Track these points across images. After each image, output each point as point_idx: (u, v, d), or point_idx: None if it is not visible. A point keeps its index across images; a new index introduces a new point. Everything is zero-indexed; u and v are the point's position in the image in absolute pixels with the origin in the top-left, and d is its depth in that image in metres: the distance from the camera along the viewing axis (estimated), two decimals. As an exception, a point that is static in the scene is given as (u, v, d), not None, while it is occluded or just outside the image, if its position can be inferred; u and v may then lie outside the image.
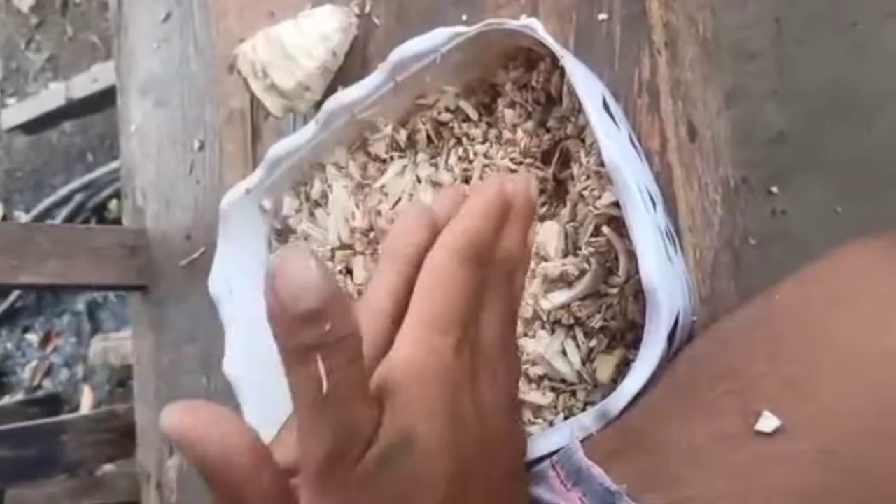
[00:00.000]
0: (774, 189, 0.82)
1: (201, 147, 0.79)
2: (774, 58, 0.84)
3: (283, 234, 0.59)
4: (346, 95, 0.53)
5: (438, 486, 0.29)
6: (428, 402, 0.29)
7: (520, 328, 0.48)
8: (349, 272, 0.56)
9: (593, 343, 0.46)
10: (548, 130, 0.50)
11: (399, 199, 0.54)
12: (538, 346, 0.46)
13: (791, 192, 0.82)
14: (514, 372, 0.37)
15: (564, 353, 0.46)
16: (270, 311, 0.26)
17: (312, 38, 0.63)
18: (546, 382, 0.46)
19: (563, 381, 0.46)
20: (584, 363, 0.45)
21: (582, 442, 0.41)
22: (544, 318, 0.47)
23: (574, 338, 0.46)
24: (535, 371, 0.46)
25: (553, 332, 0.47)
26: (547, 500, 0.38)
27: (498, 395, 0.34)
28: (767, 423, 0.33)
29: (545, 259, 0.47)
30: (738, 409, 0.34)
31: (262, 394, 0.56)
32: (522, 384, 0.47)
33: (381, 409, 0.29)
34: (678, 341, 0.43)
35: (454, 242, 0.32)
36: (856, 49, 0.81)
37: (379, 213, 0.54)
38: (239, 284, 0.58)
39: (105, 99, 1.58)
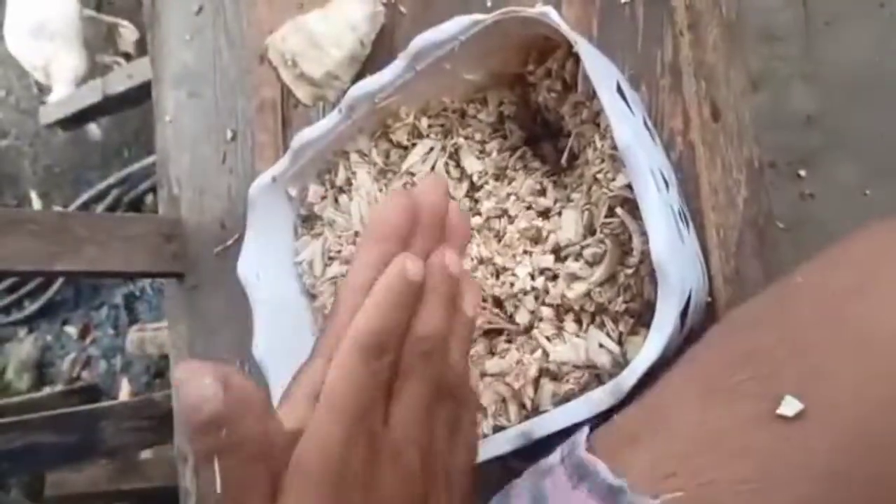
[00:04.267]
0: (802, 172, 0.82)
1: (234, 137, 0.80)
2: (802, 40, 0.83)
3: (308, 220, 0.61)
4: (368, 84, 0.54)
5: None
6: (309, 496, 0.32)
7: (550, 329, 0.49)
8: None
9: (622, 328, 0.46)
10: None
11: (432, 169, 0.55)
12: (577, 352, 0.47)
13: (819, 176, 0.82)
14: (432, 444, 0.38)
15: (602, 345, 0.47)
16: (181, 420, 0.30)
17: (340, 28, 0.65)
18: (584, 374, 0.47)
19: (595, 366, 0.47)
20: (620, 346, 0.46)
21: (597, 426, 0.41)
22: (576, 309, 0.48)
23: (602, 325, 0.47)
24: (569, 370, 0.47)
25: (580, 322, 0.48)
26: (551, 499, 0.38)
27: (401, 480, 0.35)
28: (789, 407, 0.33)
29: (558, 253, 0.48)
30: (759, 394, 0.34)
31: (289, 375, 0.57)
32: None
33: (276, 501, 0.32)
34: (691, 321, 0.44)
35: (356, 338, 0.34)
36: (884, 31, 0.80)
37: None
38: (266, 270, 0.60)
39: (140, 94, 1.61)
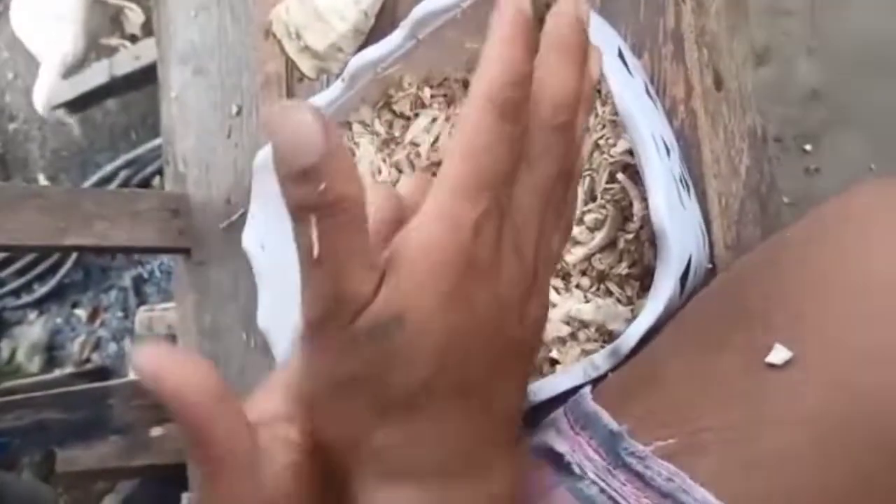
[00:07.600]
0: (808, 147, 0.82)
1: (239, 112, 0.81)
2: (808, 14, 0.83)
3: (314, 190, 0.61)
4: (370, 54, 0.54)
5: (425, 364, 0.27)
6: (429, 280, 0.27)
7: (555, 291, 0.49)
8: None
9: (629, 291, 0.47)
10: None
11: (435, 140, 0.55)
12: (596, 314, 0.47)
13: (825, 150, 0.82)
14: (544, 234, 0.31)
15: (626, 319, 0.47)
16: (274, 164, 0.25)
17: (344, 0, 0.65)
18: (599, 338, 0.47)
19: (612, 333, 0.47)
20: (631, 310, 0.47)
21: (596, 384, 0.42)
22: (572, 273, 0.48)
23: (610, 293, 0.47)
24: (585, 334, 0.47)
25: (591, 284, 0.48)
26: (553, 444, 0.39)
27: (520, 272, 0.30)
28: (778, 355, 0.33)
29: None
30: (748, 344, 0.35)
31: (294, 345, 0.57)
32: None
33: (383, 279, 0.27)
34: (691, 286, 0.44)
35: (489, 93, 0.27)
36: (891, 5, 0.80)
37: (413, 165, 0.55)
38: (271, 241, 0.60)
39: (146, 76, 1.62)
